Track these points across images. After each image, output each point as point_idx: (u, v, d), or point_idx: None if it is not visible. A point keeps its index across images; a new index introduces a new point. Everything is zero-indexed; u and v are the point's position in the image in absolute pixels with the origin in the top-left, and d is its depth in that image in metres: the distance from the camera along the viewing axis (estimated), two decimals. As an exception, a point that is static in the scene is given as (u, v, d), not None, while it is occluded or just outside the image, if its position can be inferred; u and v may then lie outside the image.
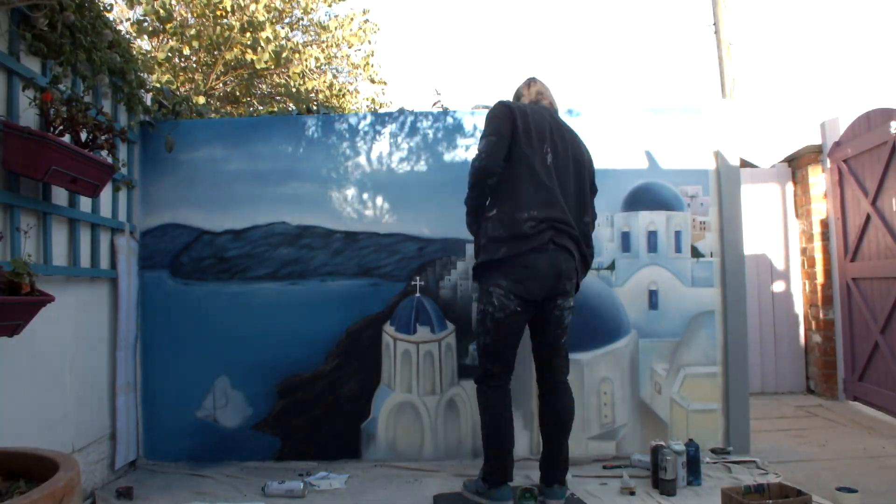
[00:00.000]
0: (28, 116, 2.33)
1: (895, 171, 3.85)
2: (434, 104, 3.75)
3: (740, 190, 3.42)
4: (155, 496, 2.77)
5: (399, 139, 3.43)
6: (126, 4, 6.15)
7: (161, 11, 5.99)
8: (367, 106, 8.23)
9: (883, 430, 3.74)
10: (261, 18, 6.45)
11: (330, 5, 7.91)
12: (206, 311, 3.34)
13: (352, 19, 7.99)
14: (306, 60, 7.12)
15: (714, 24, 7.82)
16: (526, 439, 3.29)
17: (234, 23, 6.36)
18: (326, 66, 8.09)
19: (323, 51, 7.80)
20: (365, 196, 3.40)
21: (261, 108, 7.39)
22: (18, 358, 2.26)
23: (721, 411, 3.32)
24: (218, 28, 6.33)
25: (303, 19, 7.96)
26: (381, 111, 7.21)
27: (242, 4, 6.42)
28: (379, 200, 3.40)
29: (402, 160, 3.42)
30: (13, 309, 1.89)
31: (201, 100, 5.12)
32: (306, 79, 7.24)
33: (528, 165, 2.47)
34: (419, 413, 3.34)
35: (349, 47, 8.25)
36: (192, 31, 6.35)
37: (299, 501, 2.71)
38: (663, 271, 3.39)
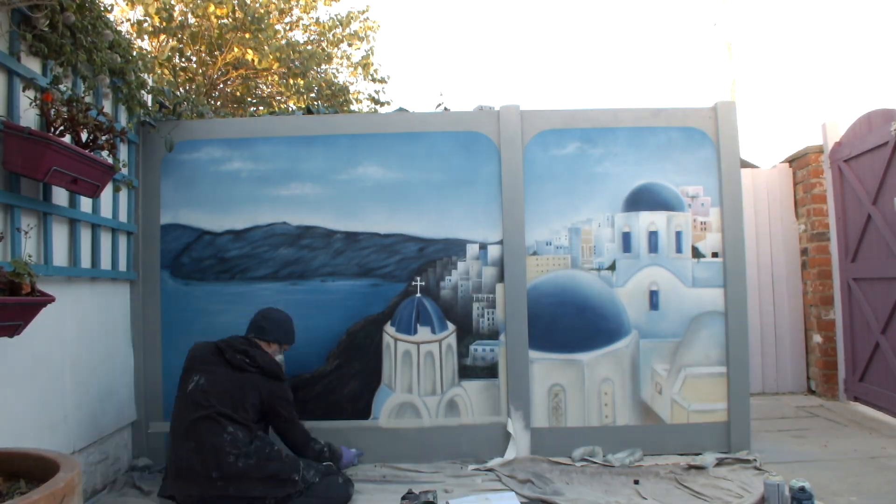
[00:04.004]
0: (28, 117, 2.33)
1: (895, 171, 3.85)
2: (437, 105, 3.76)
3: (741, 190, 3.42)
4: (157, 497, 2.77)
5: (399, 139, 3.43)
6: (126, 5, 6.16)
7: (163, 13, 5.99)
8: (368, 105, 8.24)
9: (884, 430, 3.73)
10: (260, 16, 6.45)
11: (329, 5, 7.92)
12: (207, 311, 3.34)
13: (351, 19, 8.00)
14: (307, 61, 7.12)
15: (715, 23, 7.83)
16: (526, 439, 3.29)
17: (230, 23, 6.36)
18: (326, 68, 8.09)
19: (323, 50, 7.80)
20: (365, 196, 3.40)
21: (262, 108, 7.39)
22: (19, 358, 2.26)
23: (725, 411, 3.32)
24: (218, 29, 6.34)
25: (303, 18, 7.96)
26: (380, 111, 7.23)
27: (246, 2, 6.43)
28: (379, 201, 3.40)
29: (402, 160, 3.42)
30: (13, 309, 1.89)
31: (202, 99, 5.12)
32: (306, 78, 7.24)
33: None
34: (420, 413, 3.34)
35: (349, 46, 8.26)
36: (192, 31, 6.35)
37: None
38: (664, 272, 3.39)
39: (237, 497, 2.42)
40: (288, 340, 2.96)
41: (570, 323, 3.36)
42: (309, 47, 7.62)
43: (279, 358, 2.94)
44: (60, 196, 2.57)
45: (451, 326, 3.37)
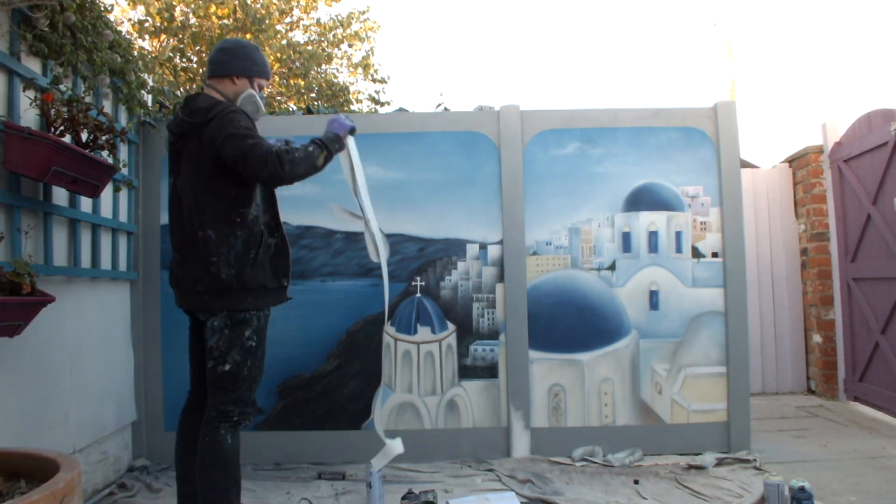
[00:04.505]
0: (29, 117, 2.33)
1: (895, 171, 3.85)
2: (437, 105, 3.77)
3: (741, 190, 3.42)
4: (159, 498, 2.77)
5: (399, 139, 3.43)
6: (128, 5, 6.17)
7: (164, 13, 6.00)
8: (368, 105, 8.25)
9: (883, 430, 3.73)
10: (261, 16, 6.46)
11: (330, 5, 7.93)
12: (207, 311, 3.34)
13: (352, 19, 8.01)
14: (307, 61, 7.13)
15: (715, 23, 7.83)
16: (526, 439, 3.29)
17: (231, 24, 6.36)
18: (327, 68, 8.10)
19: (323, 50, 7.82)
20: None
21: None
22: (19, 358, 2.26)
23: (725, 411, 3.32)
24: (219, 30, 6.34)
25: (303, 18, 7.97)
26: (381, 111, 7.24)
27: (247, 2, 6.44)
28: (379, 201, 3.40)
29: (402, 160, 3.42)
30: (14, 309, 1.89)
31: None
32: (307, 78, 7.25)
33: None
34: (420, 413, 3.34)
35: (350, 47, 8.27)
36: (193, 31, 6.36)
37: None
38: (664, 272, 3.39)
39: (226, 309, 2.10)
40: (257, 71, 2.28)
41: (570, 323, 3.36)
42: (309, 48, 7.62)
43: (251, 96, 2.24)
44: (60, 196, 2.57)
45: (451, 326, 3.37)
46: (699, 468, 3.04)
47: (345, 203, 3.39)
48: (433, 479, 3.00)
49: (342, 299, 3.37)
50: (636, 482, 2.87)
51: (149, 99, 3.40)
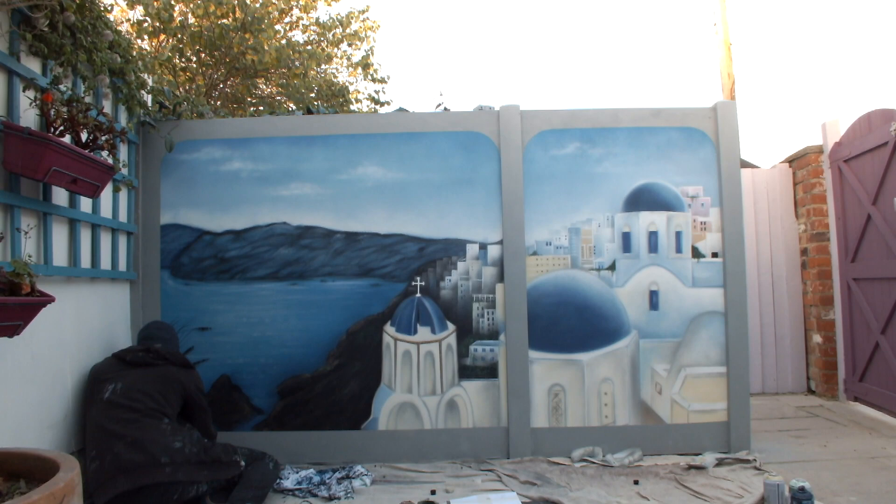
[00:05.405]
0: (28, 117, 2.33)
1: (895, 171, 3.85)
2: (437, 105, 3.76)
3: (741, 190, 3.42)
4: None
5: (399, 139, 3.43)
6: (126, 5, 6.16)
7: (162, 13, 5.99)
8: (368, 105, 8.24)
9: (883, 430, 3.73)
10: (260, 16, 6.45)
11: (329, 4, 7.92)
12: (207, 311, 3.34)
13: (351, 19, 8.01)
14: (307, 61, 7.12)
15: (715, 24, 7.83)
16: (526, 439, 3.28)
17: (230, 23, 6.35)
18: (326, 68, 8.09)
19: (322, 50, 7.81)
20: (365, 196, 3.41)
21: (262, 108, 7.39)
22: (19, 358, 2.26)
23: (725, 411, 3.32)
24: (218, 29, 6.33)
25: (303, 18, 7.97)
26: (380, 111, 7.23)
27: (246, 2, 6.43)
28: (379, 201, 3.40)
29: (402, 160, 3.42)
30: (13, 309, 1.89)
31: (202, 100, 5.13)
32: (306, 78, 7.24)
33: None
34: (419, 413, 3.34)
35: (349, 46, 8.26)
36: (193, 31, 6.35)
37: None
38: (664, 272, 3.39)
39: (182, 483, 2.40)
40: (175, 344, 2.95)
41: (570, 323, 3.36)
42: (309, 47, 7.62)
43: None
44: (60, 196, 2.57)
45: (451, 326, 3.37)
46: (699, 468, 3.04)
47: (345, 201, 3.40)
48: (433, 479, 3.00)
49: (342, 299, 3.37)
50: (636, 482, 2.87)
51: (149, 99, 3.39)
